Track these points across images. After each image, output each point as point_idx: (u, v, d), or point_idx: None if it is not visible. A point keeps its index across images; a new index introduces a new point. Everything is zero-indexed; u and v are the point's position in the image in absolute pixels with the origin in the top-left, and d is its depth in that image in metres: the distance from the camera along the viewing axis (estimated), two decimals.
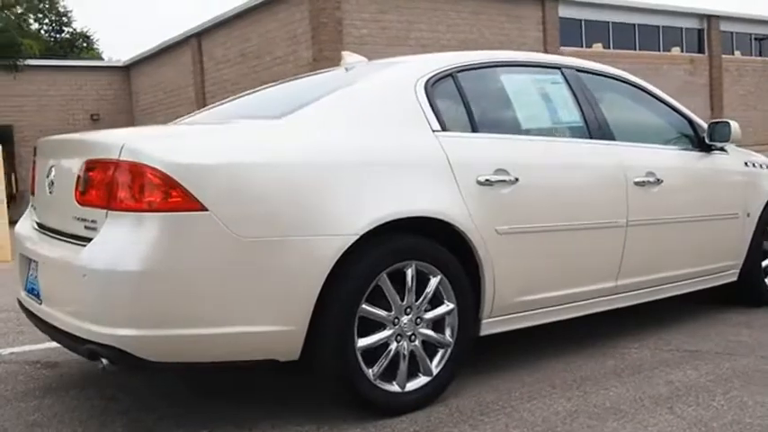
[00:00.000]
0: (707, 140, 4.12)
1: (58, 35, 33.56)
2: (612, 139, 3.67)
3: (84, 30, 34.37)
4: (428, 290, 2.89)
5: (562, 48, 20.08)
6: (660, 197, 3.75)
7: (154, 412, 2.92)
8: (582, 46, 21.23)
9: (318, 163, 2.67)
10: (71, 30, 33.78)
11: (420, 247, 2.87)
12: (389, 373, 2.83)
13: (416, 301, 2.87)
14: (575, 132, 3.59)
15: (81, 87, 23.33)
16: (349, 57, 3.63)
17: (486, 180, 3.05)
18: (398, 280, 2.83)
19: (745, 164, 4.37)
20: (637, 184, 3.63)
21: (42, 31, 33.31)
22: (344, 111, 2.95)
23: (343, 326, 2.67)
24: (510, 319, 3.23)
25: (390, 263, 2.78)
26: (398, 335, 2.83)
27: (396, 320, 2.82)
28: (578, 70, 3.76)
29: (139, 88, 24.41)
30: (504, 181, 3.10)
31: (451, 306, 2.97)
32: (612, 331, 3.99)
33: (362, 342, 2.73)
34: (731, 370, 3.31)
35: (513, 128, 3.36)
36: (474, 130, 3.19)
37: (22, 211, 3.54)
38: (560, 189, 3.34)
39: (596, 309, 3.60)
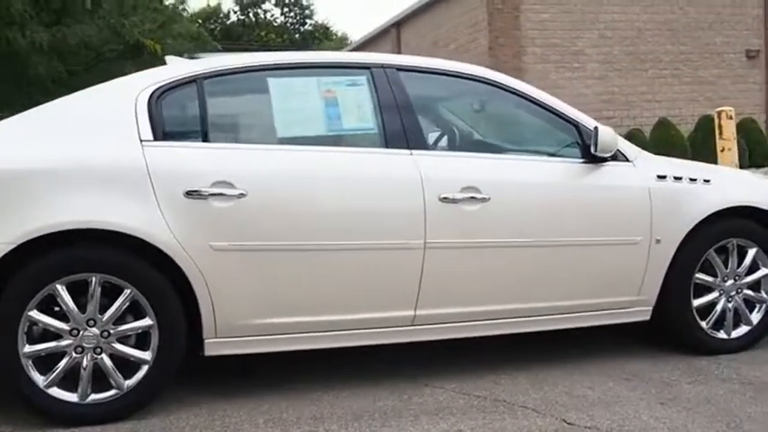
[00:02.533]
0: (592, 149, 3.41)
1: (301, 27, 36.55)
2: (423, 147, 3.22)
3: (324, 21, 36.99)
4: (117, 304, 2.84)
5: None
6: (485, 216, 3.20)
7: None
8: None
9: None
10: (313, 22, 36.56)
11: (103, 259, 2.82)
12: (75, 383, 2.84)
13: (101, 314, 2.83)
14: (361, 141, 3.21)
15: None
16: (171, 61, 3.59)
17: (198, 192, 2.88)
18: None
19: (660, 178, 3.52)
20: (444, 200, 3.15)
21: (288, 24, 36.49)
22: (45, 120, 2.99)
23: (4, 331, 2.74)
24: (244, 342, 3.02)
25: (62, 274, 2.77)
26: (78, 346, 2.82)
27: (75, 332, 2.81)
28: (401, 69, 3.34)
29: None
30: (223, 194, 2.90)
31: (150, 322, 2.87)
32: (443, 365, 3.49)
33: (30, 348, 2.78)
34: (496, 430, 2.76)
35: (264, 137, 3.11)
36: (206, 140, 3.02)
37: None
38: (309, 204, 3.01)
39: (384, 340, 3.21)
